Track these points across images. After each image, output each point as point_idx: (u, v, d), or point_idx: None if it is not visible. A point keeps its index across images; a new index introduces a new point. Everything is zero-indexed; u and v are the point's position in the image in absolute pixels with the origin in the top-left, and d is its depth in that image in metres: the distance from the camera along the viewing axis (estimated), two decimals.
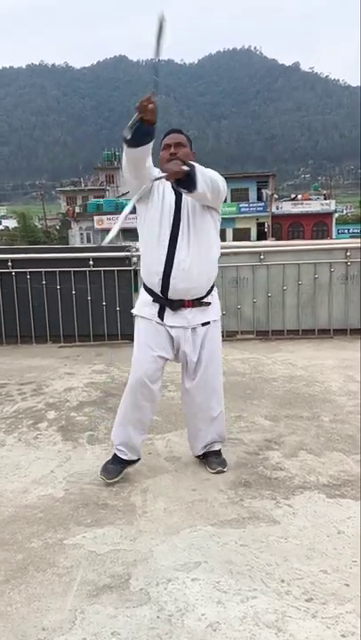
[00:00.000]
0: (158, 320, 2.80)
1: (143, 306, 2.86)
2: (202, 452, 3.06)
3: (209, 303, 2.85)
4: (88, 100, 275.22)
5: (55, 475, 3.03)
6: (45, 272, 5.94)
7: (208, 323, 2.86)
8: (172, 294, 2.74)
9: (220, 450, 3.08)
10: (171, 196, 2.75)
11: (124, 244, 6.54)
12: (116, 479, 2.89)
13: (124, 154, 2.59)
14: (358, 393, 4.14)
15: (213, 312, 2.89)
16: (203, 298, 2.82)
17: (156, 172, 2.70)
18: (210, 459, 3.03)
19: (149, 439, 3.35)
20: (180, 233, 2.71)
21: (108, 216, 41.13)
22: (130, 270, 5.92)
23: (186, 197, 2.71)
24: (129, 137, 2.44)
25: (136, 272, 5.93)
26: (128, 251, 5.97)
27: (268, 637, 1.84)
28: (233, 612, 1.96)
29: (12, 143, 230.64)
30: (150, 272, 2.78)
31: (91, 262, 5.90)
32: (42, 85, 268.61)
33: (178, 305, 2.77)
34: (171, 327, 2.79)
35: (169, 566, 2.22)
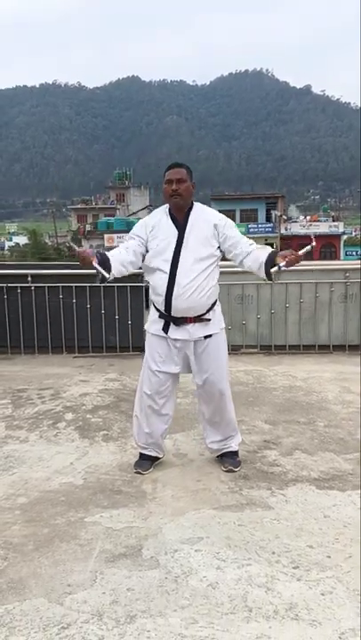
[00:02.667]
0: (163, 334, 3.13)
1: (152, 322, 3.21)
2: (217, 450, 3.35)
3: (209, 319, 3.13)
4: (100, 119, 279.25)
5: (74, 466, 3.39)
6: (62, 287, 6.34)
7: (210, 335, 3.15)
8: (174, 313, 3.06)
9: (236, 451, 3.36)
10: (173, 230, 3.08)
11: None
12: (150, 469, 3.28)
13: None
14: (352, 402, 4.48)
15: (215, 326, 3.17)
16: (204, 314, 3.11)
17: (141, 233, 3.13)
18: (225, 458, 3.32)
19: None
20: (180, 261, 3.02)
21: (119, 234, 41.73)
22: (141, 286, 6.31)
23: (190, 230, 3.06)
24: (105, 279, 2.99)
25: (147, 288, 6.32)
26: (140, 268, 6.35)
27: (258, 594, 2.18)
28: (230, 575, 2.30)
29: (23, 160, 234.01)
30: (155, 292, 3.14)
31: None
32: (55, 104, 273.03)
33: (181, 321, 3.09)
34: (175, 340, 3.11)
35: (175, 540, 2.57)
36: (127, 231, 43.04)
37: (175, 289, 3.01)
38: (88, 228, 50.83)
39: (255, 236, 45.33)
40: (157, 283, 3.09)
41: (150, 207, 59.95)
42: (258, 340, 6.39)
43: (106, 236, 43.32)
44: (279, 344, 6.35)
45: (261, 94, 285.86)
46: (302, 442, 3.71)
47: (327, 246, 46.39)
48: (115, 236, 42.13)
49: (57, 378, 5.31)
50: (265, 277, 3.09)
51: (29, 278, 6.37)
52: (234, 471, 3.24)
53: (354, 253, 46.81)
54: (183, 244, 3.04)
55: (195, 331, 3.11)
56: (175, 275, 3.02)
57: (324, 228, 47.37)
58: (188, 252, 3.03)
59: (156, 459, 3.35)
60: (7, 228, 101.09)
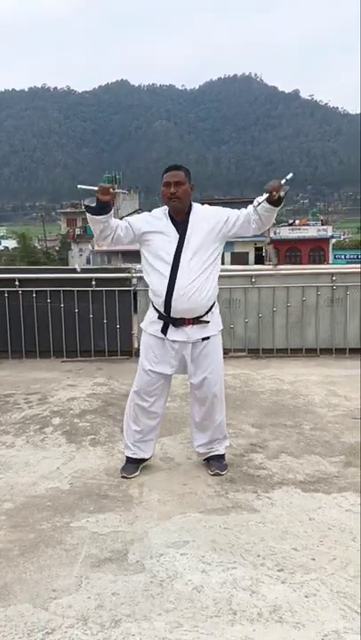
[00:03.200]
0: (161, 335, 3.14)
1: (150, 322, 3.21)
2: (204, 454, 3.36)
3: (208, 321, 3.14)
4: (89, 123, 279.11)
5: (61, 471, 3.38)
6: (50, 291, 6.33)
7: (208, 338, 3.16)
8: (173, 314, 3.07)
9: (223, 454, 3.37)
10: (173, 231, 3.08)
11: (124, 265, 6.93)
12: (135, 473, 3.27)
13: (89, 223, 3.10)
14: (338, 405, 4.51)
15: (213, 328, 3.18)
16: (202, 316, 3.12)
17: (140, 224, 3.14)
18: (212, 461, 3.32)
19: None
20: (180, 262, 3.03)
21: None
22: (130, 290, 6.32)
23: (190, 232, 3.06)
24: (92, 205, 3.01)
25: (135, 293, 6.33)
26: (129, 272, 6.37)
27: (243, 597, 2.19)
28: (215, 578, 2.31)
29: (12, 164, 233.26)
30: (155, 294, 3.13)
31: (93, 282, 6.30)
32: (44, 108, 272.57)
33: (180, 322, 3.10)
34: (173, 341, 3.12)
35: (161, 544, 2.57)
36: None
37: (175, 290, 3.02)
38: (78, 231, 50.72)
39: (245, 240, 45.51)
40: (157, 284, 3.10)
41: (140, 211, 59.87)
42: (246, 343, 6.41)
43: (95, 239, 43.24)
44: (267, 347, 6.37)
45: (250, 99, 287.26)
46: (288, 445, 3.73)
47: (316, 250, 46.67)
48: None
49: (44, 382, 5.30)
50: (271, 207, 3.01)
51: (17, 282, 6.35)
52: (220, 474, 3.24)
53: (343, 257, 47.11)
54: (184, 246, 3.05)
55: (193, 332, 3.12)
56: (175, 276, 3.03)
57: (312, 232, 47.65)
58: (189, 254, 3.04)
59: (143, 460, 3.34)
60: None
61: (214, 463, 3.31)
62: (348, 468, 3.37)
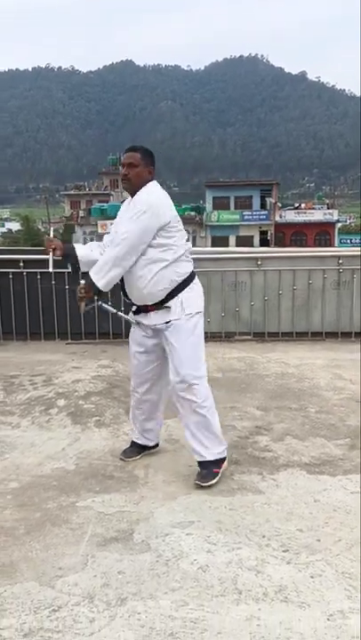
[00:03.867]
0: (135, 318, 3.15)
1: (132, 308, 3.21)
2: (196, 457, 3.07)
3: (169, 307, 2.97)
4: (94, 103, 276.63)
5: (66, 452, 3.40)
6: (55, 273, 6.29)
7: (169, 322, 2.97)
8: (133, 301, 3.09)
9: (208, 461, 2.99)
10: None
11: None
12: (135, 457, 3.26)
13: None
14: (344, 389, 4.50)
15: (176, 313, 2.97)
16: (164, 302, 2.98)
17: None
18: (199, 468, 3.02)
19: None
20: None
21: (112, 221, 41.53)
22: None
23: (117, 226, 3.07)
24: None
25: None
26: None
27: (248, 577, 2.20)
28: (220, 558, 2.32)
29: (15, 145, 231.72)
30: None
31: None
32: (48, 88, 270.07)
33: (143, 308, 3.05)
34: (145, 325, 3.09)
35: (167, 524, 2.58)
36: None
37: (125, 278, 3.01)
38: (81, 214, 50.55)
39: (250, 223, 45.36)
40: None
41: None
42: (251, 326, 6.39)
43: (99, 222, 43.12)
44: (272, 331, 6.35)
45: (256, 80, 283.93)
46: (294, 427, 3.73)
47: (322, 234, 46.39)
48: (108, 222, 41.87)
49: (49, 364, 5.30)
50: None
51: (21, 264, 6.33)
52: (201, 486, 2.91)
53: (348, 241, 46.84)
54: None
55: (157, 318, 3.01)
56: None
57: (318, 215, 47.31)
58: None
59: (145, 448, 3.32)
60: None
61: (200, 471, 2.99)
62: (353, 450, 3.37)
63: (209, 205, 47.30)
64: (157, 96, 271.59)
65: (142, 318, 3.09)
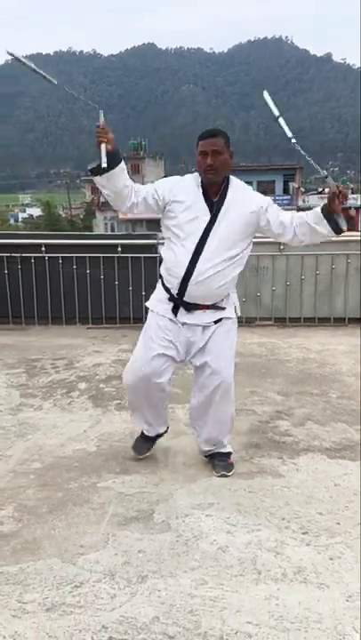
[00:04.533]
0: (172, 316, 2.81)
1: (158, 302, 2.88)
2: (208, 450, 3.01)
3: (224, 308, 2.83)
4: (115, 87, 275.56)
5: (88, 434, 3.44)
6: (76, 257, 6.34)
7: (220, 320, 2.83)
8: (187, 298, 2.77)
9: (228, 452, 2.99)
10: (204, 208, 2.71)
11: (150, 232, 6.89)
12: (147, 454, 3.10)
13: (101, 190, 2.71)
14: None
15: (227, 312, 2.85)
16: (218, 302, 2.82)
17: (167, 192, 2.73)
18: (216, 461, 2.97)
19: (171, 408, 3.72)
20: (206, 245, 2.69)
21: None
22: (156, 257, 6.28)
23: (223, 215, 2.70)
24: (104, 165, 2.55)
25: (162, 260, 6.30)
26: (155, 239, 6.34)
27: (268, 558, 2.22)
28: (240, 539, 2.34)
29: (37, 130, 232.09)
30: (170, 272, 2.79)
31: (119, 249, 6.29)
32: (69, 72, 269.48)
33: (193, 307, 2.79)
34: (183, 324, 2.81)
35: (187, 505, 2.61)
36: None
37: (194, 275, 2.70)
38: (102, 199, 50.53)
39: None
40: (175, 262, 2.75)
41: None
42: (272, 312, 6.36)
43: None
44: (294, 316, 6.32)
45: (281, 62, 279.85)
46: (315, 413, 3.73)
47: (346, 219, 45.77)
48: None
49: (70, 348, 5.35)
50: (331, 234, 2.72)
51: (43, 248, 6.37)
52: (227, 476, 2.89)
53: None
54: (213, 229, 2.69)
55: (206, 317, 2.81)
56: (197, 259, 2.69)
57: None
58: (217, 237, 2.69)
59: (158, 436, 3.13)
60: (21, 199, 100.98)
61: (219, 463, 2.95)
62: None
63: None
64: (179, 80, 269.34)
65: (185, 316, 2.80)
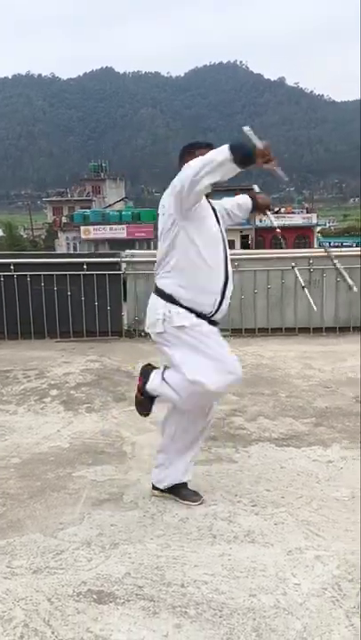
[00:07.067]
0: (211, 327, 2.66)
1: (186, 318, 2.60)
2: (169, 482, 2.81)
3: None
4: (74, 110, 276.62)
5: (61, 433, 3.77)
6: (44, 275, 6.66)
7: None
8: (217, 316, 2.66)
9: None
10: (214, 218, 2.69)
11: (110, 250, 7.26)
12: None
13: (216, 164, 2.42)
14: (313, 377, 4.93)
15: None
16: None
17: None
18: (183, 491, 2.81)
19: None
20: (227, 254, 2.67)
21: (95, 226, 41.87)
22: (120, 274, 6.68)
23: (221, 223, 2.74)
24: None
25: (125, 279, 6.70)
26: (118, 257, 6.73)
27: (222, 525, 2.60)
28: (198, 512, 2.72)
29: None
30: (205, 292, 2.59)
31: (85, 267, 6.65)
32: (28, 95, 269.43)
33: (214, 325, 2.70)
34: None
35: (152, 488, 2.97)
36: (103, 223, 42.64)
37: (227, 288, 2.62)
38: (64, 220, 50.74)
39: (231, 227, 45.65)
40: (208, 278, 2.58)
41: (126, 199, 59.97)
42: (230, 324, 6.78)
43: (82, 228, 43.32)
44: (249, 327, 6.77)
45: (236, 86, 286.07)
46: (265, 409, 4.14)
47: (301, 237, 47.09)
48: (91, 227, 42.22)
49: (41, 360, 5.66)
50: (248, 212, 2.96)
51: (12, 267, 6.68)
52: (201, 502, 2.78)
53: (328, 244, 47.51)
54: (223, 237, 2.69)
55: None
56: (228, 272, 2.64)
57: (298, 219, 48.05)
58: (226, 247, 2.69)
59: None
60: None
61: (188, 492, 2.84)
62: (317, 427, 3.79)
63: None
64: (138, 103, 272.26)
65: None
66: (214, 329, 2.67)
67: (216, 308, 2.62)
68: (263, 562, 2.33)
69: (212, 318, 2.63)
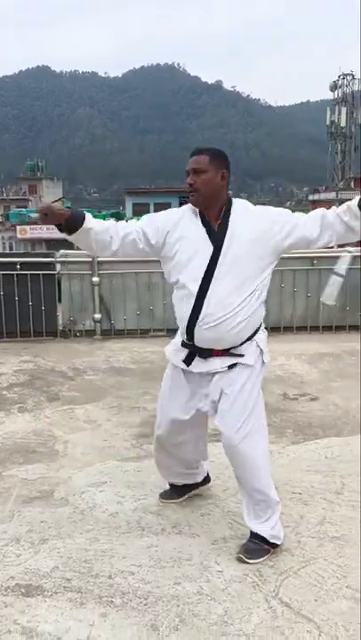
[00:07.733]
0: (184, 366, 2.46)
1: (174, 349, 2.54)
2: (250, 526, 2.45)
3: (242, 355, 2.38)
4: (10, 108, 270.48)
5: None
6: None
7: (234, 365, 2.39)
8: (198, 342, 2.38)
9: (260, 536, 2.41)
10: (205, 239, 2.33)
11: (47, 250, 7.21)
12: (179, 499, 2.85)
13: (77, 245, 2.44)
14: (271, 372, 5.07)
15: (248, 358, 2.39)
16: (236, 347, 2.38)
17: (161, 230, 2.37)
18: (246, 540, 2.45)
19: (70, 409, 4.13)
20: (213, 280, 2.29)
21: (32, 226, 41.14)
22: (54, 274, 6.64)
23: (229, 243, 2.30)
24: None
25: (60, 279, 6.67)
26: (53, 257, 6.69)
27: (150, 519, 2.68)
28: (128, 506, 2.79)
29: None
30: (178, 318, 2.44)
31: (18, 266, 6.57)
32: None
33: (207, 353, 2.40)
34: (199, 373, 2.45)
35: (83, 484, 3.02)
36: (33, 223, 41.89)
37: (201, 316, 2.31)
38: None
39: None
40: (180, 304, 2.41)
41: (63, 199, 59.22)
42: (165, 324, 6.86)
43: (18, 227, 42.50)
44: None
45: (174, 88, 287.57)
46: None
47: None
48: (27, 227, 41.44)
49: None
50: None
51: None
52: (245, 562, 2.35)
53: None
54: (219, 261, 2.30)
55: (221, 363, 2.40)
56: (204, 297, 2.30)
57: None
58: (225, 270, 2.29)
59: (193, 486, 2.88)
60: None
61: (247, 543, 2.43)
62: None
63: (129, 212, 47.71)
64: (75, 102, 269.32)
65: (199, 365, 2.43)
66: (177, 374, 2.54)
67: (186, 335, 2.42)
68: (189, 552, 2.42)
69: (196, 345, 2.41)
